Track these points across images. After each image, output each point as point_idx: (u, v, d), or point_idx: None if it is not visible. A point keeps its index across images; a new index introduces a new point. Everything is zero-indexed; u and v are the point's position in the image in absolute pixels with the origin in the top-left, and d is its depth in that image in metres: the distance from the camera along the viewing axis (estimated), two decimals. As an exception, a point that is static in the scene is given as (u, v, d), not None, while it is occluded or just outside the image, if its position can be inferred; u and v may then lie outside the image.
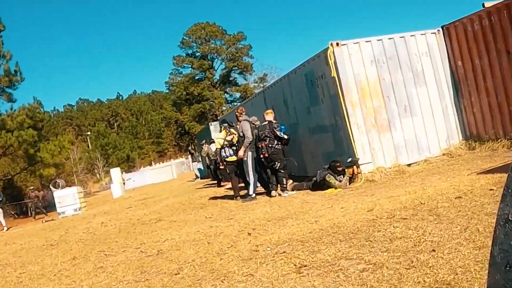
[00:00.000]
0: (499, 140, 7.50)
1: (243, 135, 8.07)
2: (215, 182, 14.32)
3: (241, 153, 8.15)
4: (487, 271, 0.90)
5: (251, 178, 8.19)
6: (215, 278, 3.60)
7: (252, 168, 8.17)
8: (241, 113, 8.40)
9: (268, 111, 8.62)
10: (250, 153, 8.12)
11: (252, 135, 8.08)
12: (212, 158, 14.19)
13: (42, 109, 23.75)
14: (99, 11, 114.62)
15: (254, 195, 8.18)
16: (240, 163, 8.34)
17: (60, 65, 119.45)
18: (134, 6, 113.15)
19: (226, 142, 8.58)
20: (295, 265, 3.47)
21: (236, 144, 8.41)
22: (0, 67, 20.22)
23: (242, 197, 8.46)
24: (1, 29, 20.34)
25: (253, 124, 8.38)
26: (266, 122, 8.16)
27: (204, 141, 16.50)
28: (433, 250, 3.04)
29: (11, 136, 19.49)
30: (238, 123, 8.40)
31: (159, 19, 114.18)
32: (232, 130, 8.68)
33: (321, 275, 3.10)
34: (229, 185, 10.56)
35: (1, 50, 19.68)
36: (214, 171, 14.26)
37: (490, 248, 0.93)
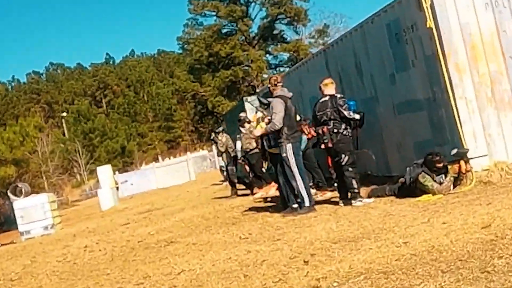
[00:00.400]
0: None
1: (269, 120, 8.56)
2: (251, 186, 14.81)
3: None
4: None
5: (299, 181, 8.50)
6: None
7: (297, 167, 8.48)
8: (275, 85, 8.69)
9: (326, 81, 8.85)
10: (289, 145, 8.42)
11: (286, 120, 8.35)
12: (235, 153, 14.43)
13: None
14: None
15: (309, 204, 8.48)
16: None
17: (23, 14, 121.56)
18: None
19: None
20: None
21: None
22: None
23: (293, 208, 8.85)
24: None
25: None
26: (327, 98, 8.43)
27: (221, 129, 16.86)
28: None
29: None
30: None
31: None
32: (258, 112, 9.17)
33: None
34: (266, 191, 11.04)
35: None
36: (231, 174, 14.76)
37: None
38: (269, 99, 8.66)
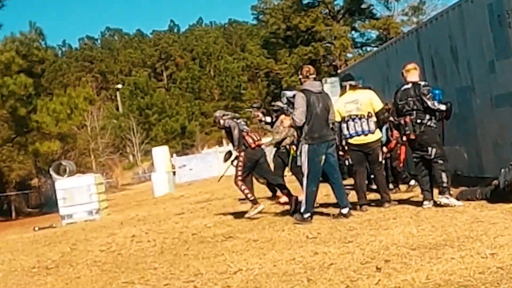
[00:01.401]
0: None
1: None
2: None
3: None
4: None
5: (304, 186, 9.09)
6: None
7: (309, 170, 8.92)
8: (307, 76, 8.93)
9: (409, 66, 9.03)
10: (305, 147, 8.79)
11: (307, 117, 8.66)
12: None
13: (43, 43, 24.85)
14: None
15: (305, 212, 9.00)
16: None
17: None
18: None
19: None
20: None
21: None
22: None
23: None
24: None
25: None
26: (410, 85, 8.67)
27: (257, 104, 17.03)
28: None
29: None
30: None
31: None
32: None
33: None
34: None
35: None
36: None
37: None
38: (294, 92, 9.04)
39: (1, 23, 23.20)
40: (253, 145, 10.57)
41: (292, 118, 8.77)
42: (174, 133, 61.41)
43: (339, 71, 36.07)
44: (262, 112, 15.00)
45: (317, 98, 8.78)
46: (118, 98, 67.27)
